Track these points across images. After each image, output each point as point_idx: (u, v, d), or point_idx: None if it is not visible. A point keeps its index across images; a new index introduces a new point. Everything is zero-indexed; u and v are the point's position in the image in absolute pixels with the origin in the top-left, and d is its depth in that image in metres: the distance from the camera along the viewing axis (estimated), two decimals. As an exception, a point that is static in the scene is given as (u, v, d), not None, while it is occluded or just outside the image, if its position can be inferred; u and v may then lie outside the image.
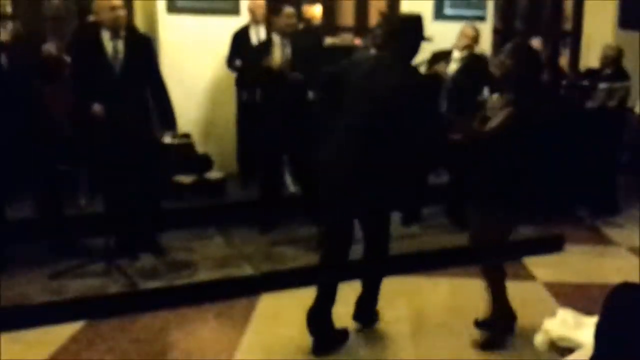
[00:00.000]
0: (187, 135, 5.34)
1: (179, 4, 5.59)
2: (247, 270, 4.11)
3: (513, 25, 7.30)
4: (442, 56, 4.99)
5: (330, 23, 6.98)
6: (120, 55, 3.94)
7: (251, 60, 4.85)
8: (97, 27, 4.75)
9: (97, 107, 3.88)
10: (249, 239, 4.66)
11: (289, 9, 4.68)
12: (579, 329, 3.42)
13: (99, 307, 3.62)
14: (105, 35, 3.95)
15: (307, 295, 3.93)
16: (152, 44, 4.22)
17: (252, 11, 5.46)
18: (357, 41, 6.63)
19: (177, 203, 4.89)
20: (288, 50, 4.64)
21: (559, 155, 5.21)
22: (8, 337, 3.32)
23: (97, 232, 4.05)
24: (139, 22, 5.70)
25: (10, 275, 3.84)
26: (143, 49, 4.09)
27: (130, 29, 4.12)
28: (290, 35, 4.67)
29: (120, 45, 3.94)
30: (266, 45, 4.71)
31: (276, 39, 4.68)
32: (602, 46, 5.79)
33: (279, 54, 4.59)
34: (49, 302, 3.56)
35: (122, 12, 3.94)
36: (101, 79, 3.92)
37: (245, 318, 3.68)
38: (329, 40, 6.32)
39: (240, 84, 5.31)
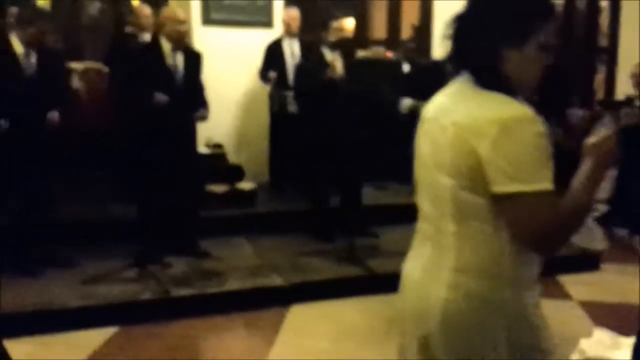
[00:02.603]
0: (219, 146, 5.40)
1: (214, 16, 5.68)
2: (276, 280, 4.11)
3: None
4: None
5: (362, 36, 7.00)
6: (180, 67, 4.18)
7: (303, 75, 4.88)
8: (134, 37, 4.88)
9: (160, 96, 4.02)
10: (278, 249, 4.67)
11: (337, 23, 4.72)
12: (616, 349, 3.36)
13: (132, 313, 3.66)
14: (166, 47, 4.14)
15: (336, 308, 3.95)
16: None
17: (286, 24, 5.51)
18: (389, 54, 6.65)
19: (208, 212, 4.93)
20: (342, 63, 4.68)
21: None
22: (43, 341, 3.38)
23: (130, 238, 4.10)
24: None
25: (45, 279, 3.91)
26: (197, 63, 4.34)
27: (187, 45, 4.33)
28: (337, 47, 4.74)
29: (180, 57, 4.18)
30: (318, 59, 4.74)
31: (327, 52, 4.73)
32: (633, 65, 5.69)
33: (338, 67, 4.63)
34: (83, 307, 3.61)
35: (185, 27, 4.17)
36: (163, 88, 4.08)
37: (274, 328, 3.67)
38: (361, 53, 6.35)
39: (298, 95, 5.24)
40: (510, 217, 1.38)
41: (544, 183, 1.33)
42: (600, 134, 1.45)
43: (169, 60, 4.18)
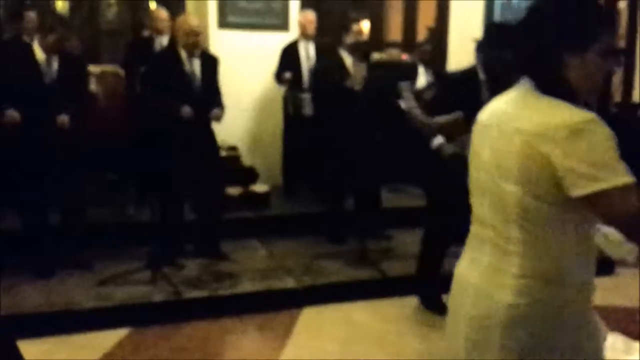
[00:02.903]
0: (233, 148, 5.42)
1: (230, 19, 5.70)
2: (289, 282, 4.12)
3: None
4: None
5: (377, 38, 7.00)
6: (197, 72, 4.25)
7: (322, 77, 4.90)
8: (151, 40, 4.94)
9: (186, 110, 4.12)
10: (291, 251, 4.68)
11: (357, 26, 4.73)
12: (629, 354, 3.33)
13: (144, 315, 3.69)
14: (183, 54, 4.23)
15: (348, 310, 3.95)
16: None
17: (302, 26, 5.52)
18: (404, 56, 6.64)
19: (222, 214, 4.96)
20: (362, 67, 4.69)
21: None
22: (56, 341, 3.42)
23: (144, 240, 4.15)
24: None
25: (60, 280, 3.96)
26: (214, 67, 4.39)
27: (202, 49, 4.36)
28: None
29: (197, 64, 4.25)
30: (337, 62, 4.75)
31: (345, 55, 4.74)
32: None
33: (358, 73, 4.65)
34: (96, 308, 3.65)
35: (198, 38, 4.23)
36: (181, 94, 4.15)
37: (286, 331, 3.68)
38: (376, 56, 6.34)
39: (316, 97, 5.25)
40: (601, 213, 1.41)
41: (625, 177, 1.35)
42: None
43: (187, 66, 4.24)
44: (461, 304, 1.59)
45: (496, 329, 1.48)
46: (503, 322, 1.46)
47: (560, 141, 1.36)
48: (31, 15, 5.06)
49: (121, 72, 5.33)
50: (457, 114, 3.51)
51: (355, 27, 4.73)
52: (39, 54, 3.95)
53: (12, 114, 3.85)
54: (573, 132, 1.35)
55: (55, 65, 3.98)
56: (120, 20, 6.40)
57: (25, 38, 5.03)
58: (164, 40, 5.15)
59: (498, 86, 2.38)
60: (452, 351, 1.64)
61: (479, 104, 1.72)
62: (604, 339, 1.56)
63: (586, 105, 1.43)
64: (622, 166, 1.35)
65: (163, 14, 5.28)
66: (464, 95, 3.49)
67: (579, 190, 1.36)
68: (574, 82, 1.45)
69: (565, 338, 1.46)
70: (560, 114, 1.39)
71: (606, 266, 4.77)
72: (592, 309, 1.52)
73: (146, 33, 5.67)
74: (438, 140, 3.63)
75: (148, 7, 6.56)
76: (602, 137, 1.35)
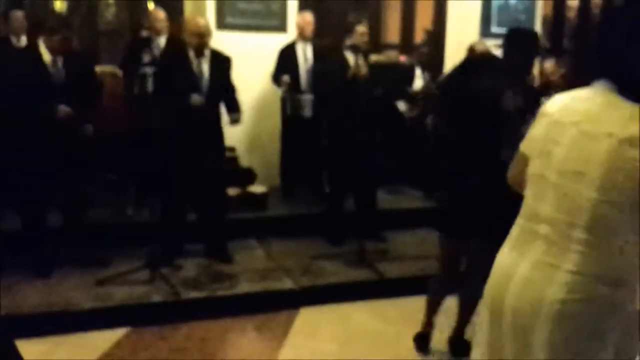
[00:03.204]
0: (231, 149, 5.43)
1: (228, 20, 5.72)
2: (287, 283, 4.14)
3: (561, 44, 7.20)
4: None
5: (375, 40, 7.02)
6: (205, 73, 4.26)
7: (325, 77, 4.89)
8: (150, 41, 4.95)
9: (196, 98, 4.12)
10: (289, 252, 4.70)
11: (361, 27, 4.75)
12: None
13: (143, 315, 3.70)
14: (191, 54, 4.24)
15: (345, 311, 3.97)
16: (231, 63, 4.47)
17: (300, 27, 5.55)
18: (402, 58, 6.66)
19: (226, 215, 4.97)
20: (365, 65, 4.71)
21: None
22: (54, 341, 3.43)
23: (143, 241, 4.16)
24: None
25: (59, 281, 3.97)
26: (226, 67, 4.39)
27: (213, 49, 4.36)
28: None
29: (205, 63, 4.26)
30: (341, 62, 4.75)
31: (349, 55, 4.75)
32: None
33: (362, 65, 4.65)
34: (95, 308, 3.66)
35: (207, 39, 4.23)
36: (189, 93, 4.16)
37: (284, 331, 3.70)
38: (373, 57, 6.36)
39: (318, 101, 5.23)
40: None
41: None
42: None
43: (194, 65, 4.25)
44: (503, 294, 1.58)
45: (545, 323, 1.47)
46: (553, 317, 1.46)
47: None
48: (18, 15, 5.08)
49: (119, 72, 5.34)
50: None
51: (359, 28, 4.75)
52: (45, 54, 3.95)
53: (64, 109, 3.92)
54: None
55: (61, 65, 3.97)
56: (118, 21, 6.40)
57: (13, 38, 5.05)
58: (162, 41, 5.17)
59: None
60: (491, 337, 1.64)
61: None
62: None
63: None
64: None
65: (161, 14, 5.29)
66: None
67: None
68: None
69: (614, 339, 1.45)
70: None
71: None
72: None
73: (144, 33, 5.68)
74: None
75: (146, 7, 6.57)
76: None
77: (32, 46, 4.06)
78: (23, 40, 5.09)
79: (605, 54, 1.48)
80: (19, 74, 3.88)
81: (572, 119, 1.47)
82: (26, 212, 4.11)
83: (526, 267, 1.54)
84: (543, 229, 1.52)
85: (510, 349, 1.58)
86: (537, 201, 1.55)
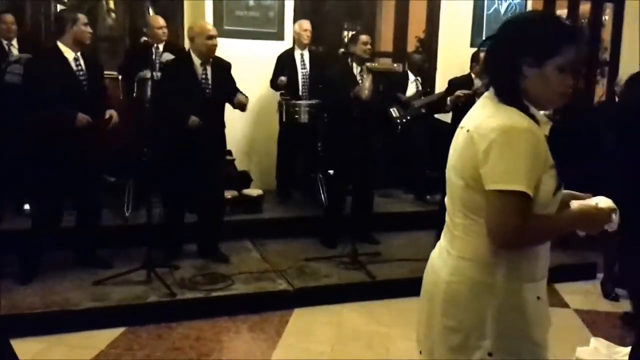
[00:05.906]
0: (228, 153, 5.51)
1: (227, 29, 5.80)
2: (281, 284, 4.20)
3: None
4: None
5: (370, 49, 7.10)
6: (209, 79, 4.32)
7: (330, 86, 4.95)
8: (148, 47, 5.01)
9: (194, 120, 4.19)
10: (283, 254, 4.76)
11: (364, 37, 4.83)
12: (612, 358, 3.40)
13: (139, 315, 3.76)
14: (196, 61, 4.30)
15: (339, 312, 4.03)
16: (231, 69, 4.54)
17: (298, 35, 5.65)
18: (396, 66, 6.77)
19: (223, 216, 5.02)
20: (370, 78, 4.79)
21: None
22: (53, 340, 3.48)
23: (140, 242, 4.21)
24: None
25: (56, 281, 4.02)
26: (227, 74, 4.46)
27: (215, 56, 4.41)
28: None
29: (209, 71, 4.32)
30: (346, 72, 4.83)
31: (354, 66, 4.83)
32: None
33: (367, 84, 4.73)
34: (92, 308, 3.71)
35: (215, 42, 4.30)
36: (193, 101, 4.23)
37: (277, 332, 3.76)
38: (368, 65, 6.44)
39: (328, 110, 5.21)
40: (487, 212, 1.53)
41: (516, 185, 1.47)
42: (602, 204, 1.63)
43: (199, 71, 4.30)
44: (424, 282, 1.77)
45: (439, 302, 1.65)
46: (442, 298, 1.64)
47: (489, 140, 1.50)
48: (8, 18, 5.10)
49: (117, 77, 5.41)
50: None
51: (362, 38, 4.83)
52: (67, 52, 3.97)
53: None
54: (501, 134, 1.48)
55: (82, 63, 4.01)
56: (118, 27, 6.46)
57: (3, 41, 5.08)
58: (161, 47, 5.23)
59: None
60: (418, 325, 1.81)
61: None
62: (545, 334, 1.65)
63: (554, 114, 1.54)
64: (522, 176, 1.47)
65: (161, 21, 5.35)
66: None
67: (487, 186, 1.51)
68: (532, 93, 1.57)
69: (489, 313, 1.57)
70: (501, 118, 1.52)
71: (588, 271, 4.89)
72: (539, 300, 1.62)
73: (143, 40, 5.74)
74: None
75: (146, 14, 6.61)
76: (525, 144, 1.48)
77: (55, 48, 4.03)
78: (14, 44, 5.14)
79: (488, 63, 1.66)
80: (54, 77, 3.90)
81: (462, 124, 1.65)
82: (42, 214, 4.11)
83: (435, 257, 1.74)
84: (448, 220, 1.71)
85: (423, 334, 1.76)
86: (447, 198, 1.72)
